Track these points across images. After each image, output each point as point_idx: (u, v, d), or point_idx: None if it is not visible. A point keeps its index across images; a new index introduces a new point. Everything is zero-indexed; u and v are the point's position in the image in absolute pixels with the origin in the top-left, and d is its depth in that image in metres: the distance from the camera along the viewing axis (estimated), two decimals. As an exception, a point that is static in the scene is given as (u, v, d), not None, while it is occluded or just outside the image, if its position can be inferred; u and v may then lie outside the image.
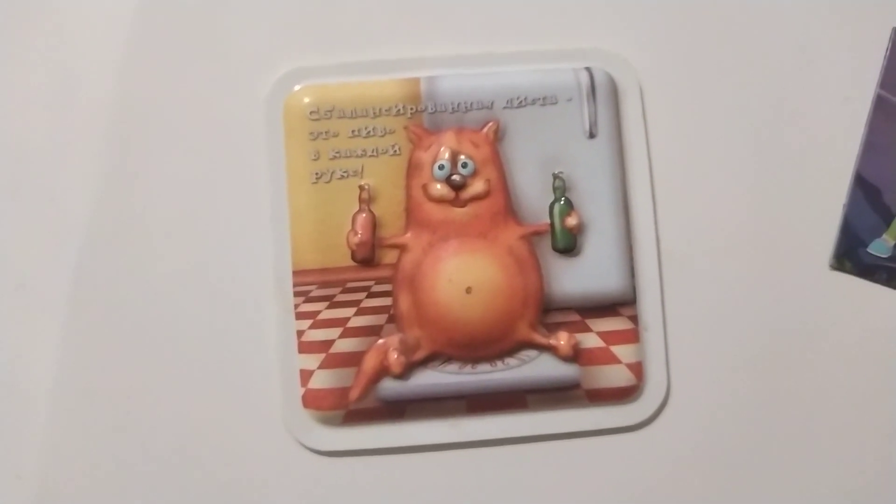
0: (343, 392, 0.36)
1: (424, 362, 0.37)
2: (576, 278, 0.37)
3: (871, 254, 0.38)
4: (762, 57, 0.39)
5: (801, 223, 0.38)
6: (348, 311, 0.37)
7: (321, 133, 0.37)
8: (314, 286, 0.37)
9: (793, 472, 0.37)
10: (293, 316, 0.37)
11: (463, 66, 0.38)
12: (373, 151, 0.37)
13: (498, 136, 0.37)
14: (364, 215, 0.37)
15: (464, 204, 0.37)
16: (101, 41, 0.39)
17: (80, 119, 0.38)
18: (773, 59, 0.39)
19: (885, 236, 0.38)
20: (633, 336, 0.37)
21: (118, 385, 0.37)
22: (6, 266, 0.38)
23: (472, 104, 0.37)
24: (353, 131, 0.37)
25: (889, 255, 0.38)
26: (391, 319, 0.37)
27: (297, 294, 0.37)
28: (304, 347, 0.37)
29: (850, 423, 0.37)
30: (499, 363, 0.37)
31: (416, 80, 0.38)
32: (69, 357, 0.37)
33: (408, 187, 0.37)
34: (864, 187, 0.38)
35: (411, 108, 0.37)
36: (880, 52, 0.39)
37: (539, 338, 0.37)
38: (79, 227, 0.38)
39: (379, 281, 0.37)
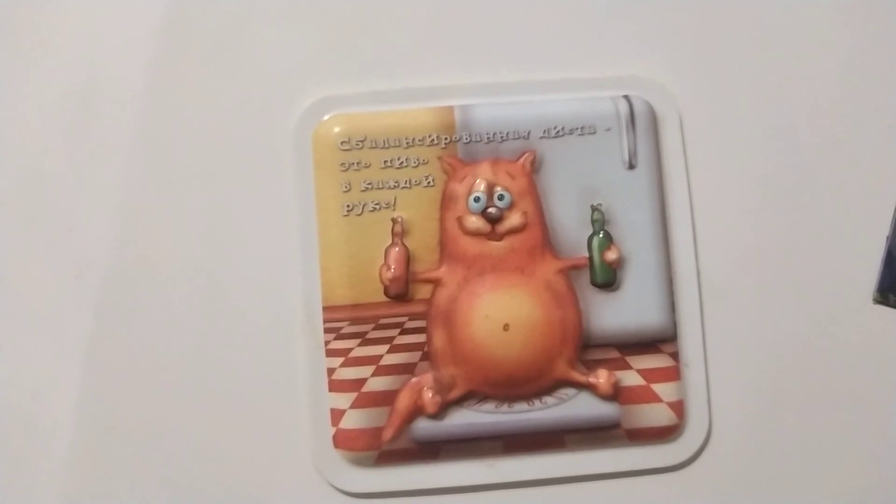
0: (376, 432, 0.35)
1: (460, 401, 0.36)
2: (615, 314, 0.36)
3: (916, 287, 0.37)
4: (804, 84, 0.38)
5: (844, 256, 0.37)
6: (381, 349, 0.36)
7: (352, 164, 0.36)
8: (345, 322, 0.36)
9: (833, 509, 0.36)
10: (324, 353, 0.36)
11: (498, 95, 0.37)
12: (406, 183, 0.36)
13: (535, 167, 0.36)
14: (397, 249, 0.36)
15: (500, 237, 0.36)
16: (122, 67, 0.38)
17: (101, 148, 0.37)
18: (816, 87, 0.38)
19: (929, 269, 0.37)
20: (674, 374, 0.36)
21: (140, 424, 0.36)
22: (25, 299, 0.37)
23: (507, 134, 0.36)
24: (385, 162, 0.36)
25: (935, 288, 0.37)
26: (425, 357, 0.36)
27: (327, 331, 0.36)
28: (335, 386, 0.36)
29: None
30: (536, 402, 0.36)
31: (450, 109, 0.37)
32: (90, 394, 0.36)
33: (442, 220, 0.36)
34: (908, 219, 0.37)
35: (445, 138, 0.36)
36: (924, 78, 0.38)
37: (578, 376, 0.36)
38: (100, 259, 0.37)
39: (412, 317, 0.36)
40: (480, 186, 0.36)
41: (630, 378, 0.36)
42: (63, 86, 0.38)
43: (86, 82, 0.38)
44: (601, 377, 0.36)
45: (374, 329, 0.36)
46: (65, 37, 0.38)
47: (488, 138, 0.36)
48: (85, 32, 0.38)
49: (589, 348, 0.36)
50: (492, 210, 0.36)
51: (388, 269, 0.36)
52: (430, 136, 0.36)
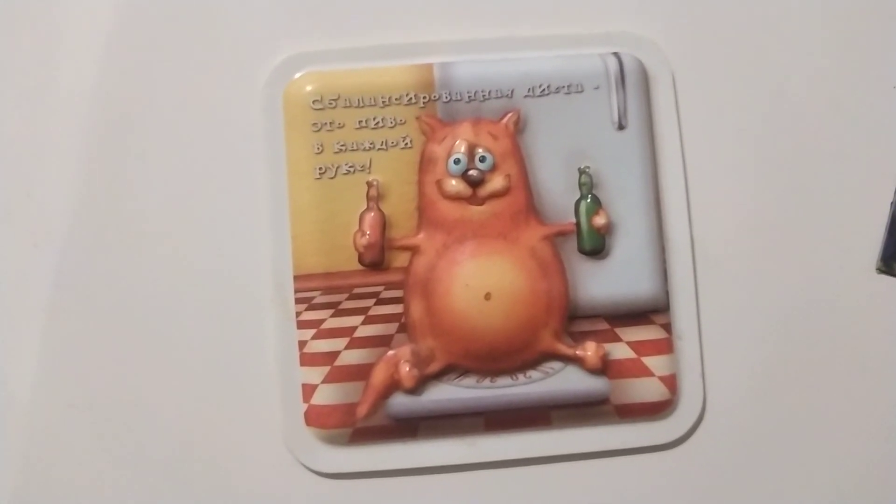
0: (349, 408, 0.34)
1: (439, 375, 0.34)
2: (604, 283, 0.35)
3: (922, 256, 0.36)
4: (803, 42, 0.37)
5: (845, 223, 0.36)
6: (355, 320, 0.34)
7: (325, 124, 0.35)
8: (317, 292, 0.34)
9: (834, 488, 0.35)
10: (294, 325, 0.35)
11: (480, 52, 0.36)
12: (382, 144, 0.35)
13: (519, 128, 0.35)
14: (372, 214, 0.35)
15: (481, 202, 0.35)
16: (83, 26, 0.36)
17: (62, 110, 0.36)
18: (814, 45, 0.37)
19: (935, 237, 0.36)
20: (666, 346, 0.35)
21: (103, 401, 0.35)
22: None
23: (490, 92, 0.35)
24: (360, 122, 0.35)
25: (941, 257, 0.36)
26: (402, 328, 0.34)
27: (298, 301, 0.35)
28: (307, 359, 0.34)
29: (896, 436, 0.35)
30: (520, 376, 0.34)
31: (429, 67, 0.35)
32: (49, 368, 0.35)
33: (420, 183, 0.35)
34: (913, 184, 0.36)
35: (424, 97, 0.35)
36: (930, 37, 0.37)
37: (564, 348, 0.34)
38: (61, 226, 0.36)
39: (389, 286, 0.34)
40: (461, 148, 0.35)
41: (619, 351, 0.35)
42: (21, 47, 0.36)
43: (45, 41, 0.37)
44: (589, 350, 0.34)
45: (347, 299, 0.34)
46: (21, -8, 0.37)
47: (469, 97, 0.35)
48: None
49: (576, 319, 0.35)
50: (473, 172, 0.34)
51: (363, 235, 0.35)
52: (407, 95, 0.35)
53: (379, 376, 0.34)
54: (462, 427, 0.34)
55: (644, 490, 0.35)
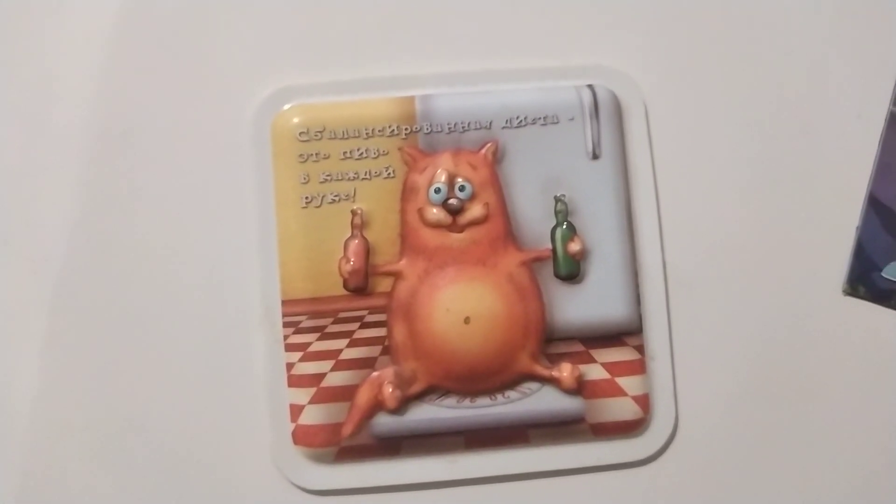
0: (335, 428, 0.35)
1: (421, 396, 0.35)
2: (579, 306, 0.35)
3: (886, 278, 0.37)
4: (771, 73, 0.38)
5: (812, 247, 0.37)
6: (340, 343, 0.35)
7: (311, 155, 0.36)
8: (304, 316, 0.35)
9: (804, 504, 0.36)
10: (282, 348, 0.35)
11: (460, 84, 0.37)
12: (365, 174, 0.36)
13: (497, 158, 0.36)
14: (356, 241, 0.35)
15: (461, 229, 0.35)
16: (79, 58, 0.37)
17: (57, 138, 0.37)
18: (783, 76, 0.38)
19: (899, 260, 0.37)
20: (639, 367, 0.36)
21: (97, 420, 0.36)
22: (-21, 293, 0.36)
23: (469, 124, 0.36)
24: (344, 153, 0.36)
25: (905, 279, 0.37)
26: (385, 351, 0.35)
27: (286, 325, 0.35)
28: (294, 381, 0.35)
29: (865, 452, 0.36)
30: (499, 396, 0.35)
31: (411, 99, 0.36)
32: (45, 386, 0.36)
33: (402, 212, 0.36)
34: (878, 209, 0.37)
35: (406, 129, 0.36)
36: (893, 66, 0.38)
37: (541, 369, 0.35)
38: (56, 251, 0.36)
39: (372, 311, 0.35)
40: (441, 177, 0.36)
41: (594, 372, 0.35)
42: (19, 77, 0.37)
43: (42, 74, 0.37)
44: (565, 371, 0.35)
45: (333, 323, 0.35)
46: (22, 25, 0.38)
47: (449, 128, 0.36)
48: (42, 22, 0.38)
49: (552, 342, 0.35)
50: (453, 201, 0.35)
51: (348, 261, 0.35)
52: (390, 127, 0.36)
53: (363, 397, 0.35)
54: (443, 446, 0.35)
55: (618, 505, 0.36)
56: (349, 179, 0.36)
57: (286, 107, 0.36)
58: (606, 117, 0.36)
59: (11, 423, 0.36)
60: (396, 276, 0.35)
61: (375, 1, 0.37)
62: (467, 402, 0.35)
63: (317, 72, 0.37)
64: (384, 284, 0.35)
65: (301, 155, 0.36)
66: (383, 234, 0.36)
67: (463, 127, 0.36)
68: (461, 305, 0.35)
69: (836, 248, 0.37)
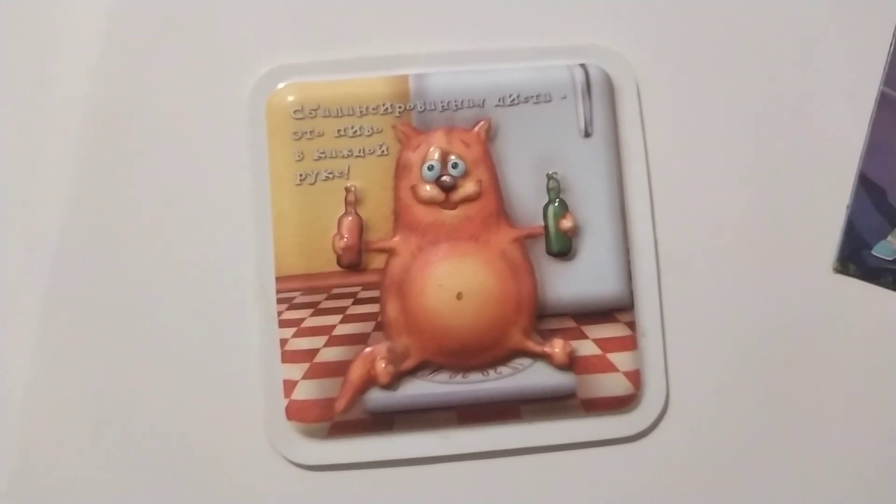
0: (328, 403, 0.35)
1: (413, 372, 0.35)
2: (571, 283, 0.36)
3: (876, 256, 0.37)
4: (762, 52, 0.38)
5: (803, 225, 0.37)
6: (334, 319, 0.35)
7: (305, 133, 0.36)
8: (298, 292, 0.35)
9: (795, 481, 0.36)
10: (276, 323, 0.36)
11: (453, 63, 0.37)
12: (359, 152, 0.36)
13: (490, 136, 0.36)
14: (350, 218, 0.36)
15: (454, 206, 0.36)
16: (76, 38, 0.38)
17: (54, 119, 0.37)
18: (774, 55, 0.38)
19: (890, 238, 0.37)
20: (630, 343, 0.36)
21: (93, 396, 0.36)
22: (-24, 272, 0.37)
23: (462, 102, 0.36)
24: (338, 131, 0.36)
25: (894, 257, 0.37)
26: (378, 327, 0.35)
27: (280, 301, 0.36)
28: (288, 356, 0.35)
29: (855, 429, 0.36)
30: (491, 372, 0.35)
31: (405, 78, 0.36)
32: (41, 365, 0.36)
33: (396, 189, 0.36)
34: (868, 187, 0.37)
35: (399, 107, 0.36)
36: (884, 47, 0.38)
37: (533, 345, 0.35)
38: (53, 229, 0.37)
39: (366, 287, 0.35)
40: (434, 155, 0.36)
41: (586, 347, 0.36)
42: (16, 57, 0.38)
43: (39, 54, 0.38)
44: (556, 347, 0.35)
45: (326, 299, 0.35)
46: (19, 7, 0.38)
47: (443, 107, 0.36)
48: (39, 3, 0.38)
49: (544, 318, 0.36)
50: (446, 178, 0.36)
51: (341, 238, 0.35)
52: (384, 105, 0.36)
53: (356, 372, 0.35)
54: (436, 421, 0.35)
55: (609, 480, 0.36)
56: (343, 157, 0.36)
57: (281, 85, 0.37)
58: (599, 96, 0.36)
59: (9, 399, 0.36)
60: (390, 252, 0.36)
61: (369, -20, 0.38)
62: (459, 377, 0.35)
63: (311, 51, 0.37)
64: (377, 261, 0.36)
65: (295, 133, 0.36)
66: (377, 210, 0.36)
67: (456, 105, 0.36)
68: (454, 281, 0.35)
69: (827, 226, 0.37)
